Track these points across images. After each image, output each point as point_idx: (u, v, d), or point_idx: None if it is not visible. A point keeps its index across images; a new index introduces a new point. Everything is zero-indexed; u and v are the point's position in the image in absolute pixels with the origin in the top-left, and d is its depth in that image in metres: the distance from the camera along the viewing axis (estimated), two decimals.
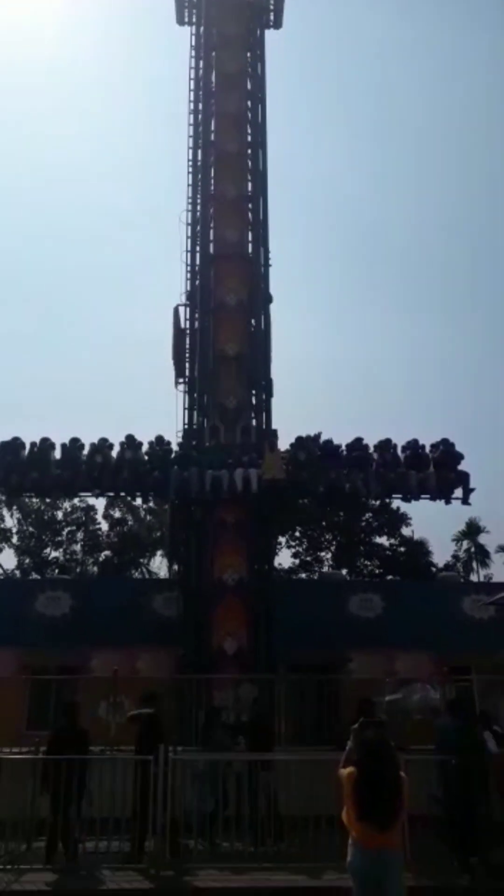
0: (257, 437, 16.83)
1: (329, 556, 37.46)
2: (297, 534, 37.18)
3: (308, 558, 37.14)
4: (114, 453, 16.56)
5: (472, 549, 49.59)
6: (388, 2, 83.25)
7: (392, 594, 19.29)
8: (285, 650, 16.01)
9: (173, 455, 16.58)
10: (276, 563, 28.57)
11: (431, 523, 64.44)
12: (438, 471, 16.66)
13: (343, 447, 16.89)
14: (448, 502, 16.85)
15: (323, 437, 17.33)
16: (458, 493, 16.80)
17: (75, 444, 16.55)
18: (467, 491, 16.74)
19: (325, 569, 36.00)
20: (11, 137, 78.71)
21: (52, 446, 16.57)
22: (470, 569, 47.88)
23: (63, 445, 16.62)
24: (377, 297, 76.24)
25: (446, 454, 16.89)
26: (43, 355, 67.83)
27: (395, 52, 78.73)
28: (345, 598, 18.63)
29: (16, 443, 16.54)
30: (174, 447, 16.98)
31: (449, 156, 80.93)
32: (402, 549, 37.31)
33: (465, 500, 16.81)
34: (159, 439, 16.81)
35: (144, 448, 16.66)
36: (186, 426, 17.76)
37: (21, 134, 79.82)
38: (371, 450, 16.94)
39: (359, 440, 16.96)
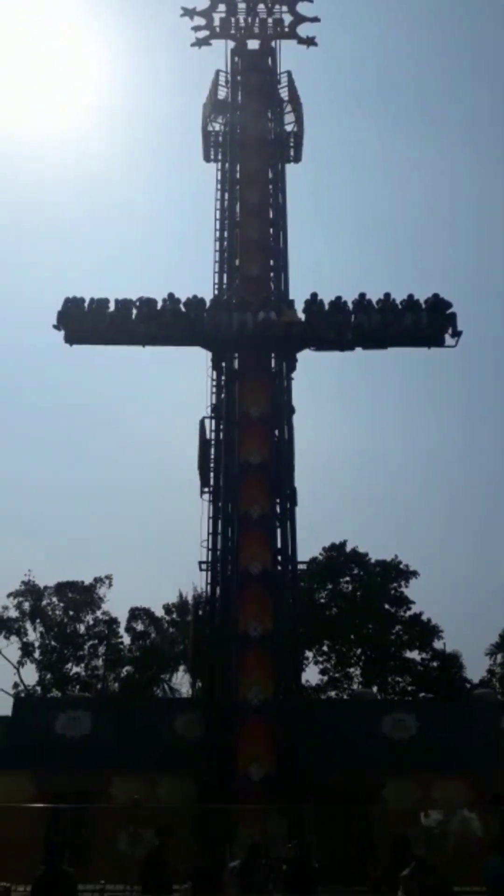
0: (276, 305, 19.74)
1: (358, 671, 36.07)
2: (325, 648, 36.02)
3: (336, 674, 35.75)
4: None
5: None
6: (399, 128, 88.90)
7: (426, 714, 18.57)
8: (315, 775, 15.23)
9: (207, 305, 19.65)
10: (303, 680, 27.60)
11: (464, 636, 62.07)
12: (430, 313, 19.18)
13: (349, 302, 19.46)
14: (441, 345, 18.99)
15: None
16: (450, 341, 19.10)
17: (127, 300, 19.67)
18: (456, 333, 18.98)
19: (355, 685, 34.60)
20: (36, 273, 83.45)
21: (107, 302, 19.61)
22: None
23: (116, 301, 19.66)
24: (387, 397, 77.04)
25: (437, 301, 19.31)
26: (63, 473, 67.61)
27: (406, 173, 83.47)
28: (377, 719, 17.88)
29: (78, 299, 19.61)
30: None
31: (461, 275, 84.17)
32: (435, 663, 35.86)
33: (454, 334, 18.92)
34: (195, 296, 19.79)
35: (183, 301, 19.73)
36: (211, 533, 18.14)
37: (49, 265, 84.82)
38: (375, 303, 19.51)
39: (362, 295, 19.54)
